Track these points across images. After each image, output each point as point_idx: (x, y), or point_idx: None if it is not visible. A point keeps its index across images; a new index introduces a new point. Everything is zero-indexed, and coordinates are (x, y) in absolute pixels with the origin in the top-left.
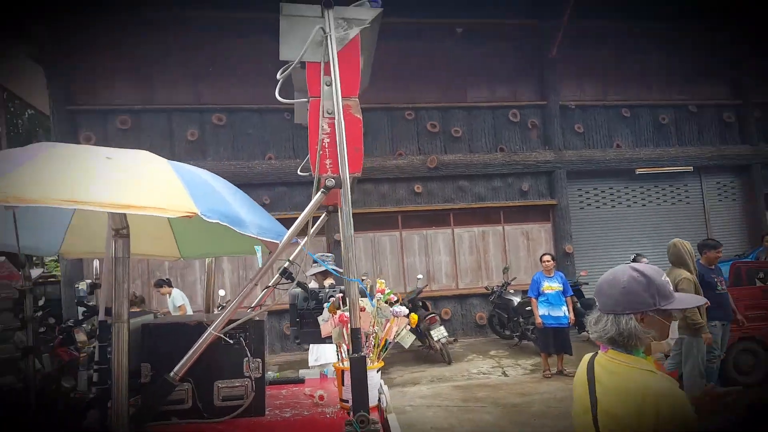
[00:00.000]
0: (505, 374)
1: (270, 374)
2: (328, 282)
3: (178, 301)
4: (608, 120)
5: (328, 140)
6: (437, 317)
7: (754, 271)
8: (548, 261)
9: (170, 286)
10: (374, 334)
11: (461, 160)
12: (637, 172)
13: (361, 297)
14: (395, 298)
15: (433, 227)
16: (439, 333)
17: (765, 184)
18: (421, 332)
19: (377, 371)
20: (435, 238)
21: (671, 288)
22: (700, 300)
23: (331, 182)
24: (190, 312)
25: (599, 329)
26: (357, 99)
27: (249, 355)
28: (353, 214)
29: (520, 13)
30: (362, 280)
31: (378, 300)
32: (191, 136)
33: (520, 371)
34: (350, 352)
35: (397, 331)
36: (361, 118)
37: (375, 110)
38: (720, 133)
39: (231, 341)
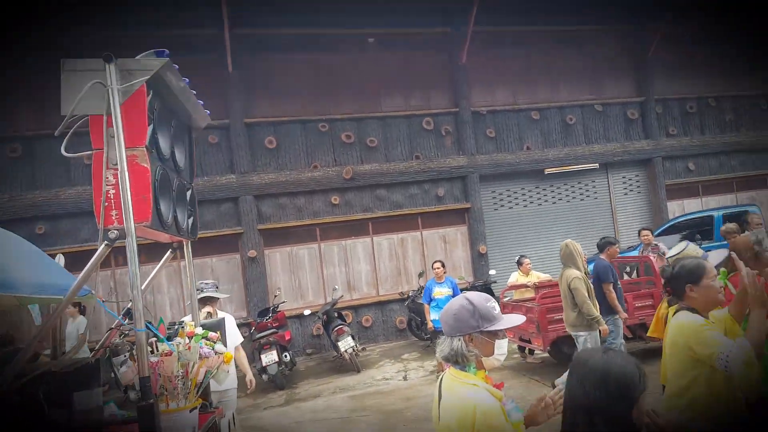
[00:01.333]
0: (405, 378)
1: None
2: (205, 310)
3: (82, 329)
4: (518, 123)
5: (113, 191)
6: (344, 328)
7: (623, 266)
8: (438, 268)
9: (80, 311)
10: (180, 377)
11: (377, 170)
12: (546, 172)
13: (161, 342)
14: (214, 337)
15: (352, 237)
16: (346, 344)
17: (666, 175)
18: (332, 343)
19: (191, 411)
20: (354, 248)
21: (497, 311)
22: (520, 320)
23: (114, 234)
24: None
25: (439, 350)
26: (144, 148)
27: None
28: (270, 229)
29: (432, 21)
30: (275, 295)
31: (183, 343)
32: None
33: (420, 373)
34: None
35: (209, 371)
36: (149, 167)
37: (289, 123)
38: (625, 130)
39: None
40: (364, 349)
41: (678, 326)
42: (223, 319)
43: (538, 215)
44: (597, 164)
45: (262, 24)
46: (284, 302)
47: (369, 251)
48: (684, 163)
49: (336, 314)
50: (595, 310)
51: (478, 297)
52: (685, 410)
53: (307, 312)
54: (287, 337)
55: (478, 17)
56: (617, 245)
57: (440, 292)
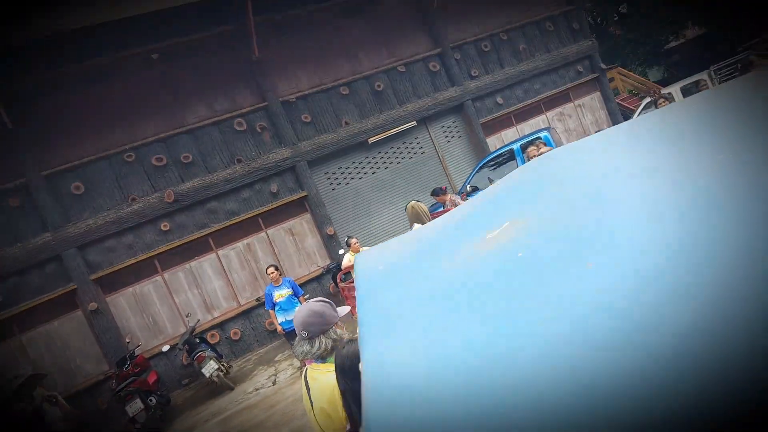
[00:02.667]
0: (274, 383)
1: None
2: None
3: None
4: (331, 102)
5: None
6: (204, 354)
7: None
8: (272, 273)
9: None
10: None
11: (201, 184)
12: (370, 142)
13: None
14: None
15: (196, 258)
16: (209, 369)
17: (477, 114)
18: (197, 371)
19: None
20: (201, 268)
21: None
22: (345, 310)
23: None
24: None
25: (302, 351)
26: None
27: None
28: (105, 276)
29: (212, 22)
30: (127, 342)
31: None
32: None
33: (289, 372)
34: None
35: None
36: None
37: (92, 163)
38: (432, 83)
39: None
40: (231, 367)
41: None
42: None
43: (374, 183)
44: (414, 122)
45: (33, 71)
46: (139, 346)
47: (217, 266)
48: (493, 99)
49: (197, 340)
50: None
51: (319, 306)
52: None
53: (165, 348)
54: (151, 380)
55: (257, 9)
56: (447, 192)
57: (280, 294)
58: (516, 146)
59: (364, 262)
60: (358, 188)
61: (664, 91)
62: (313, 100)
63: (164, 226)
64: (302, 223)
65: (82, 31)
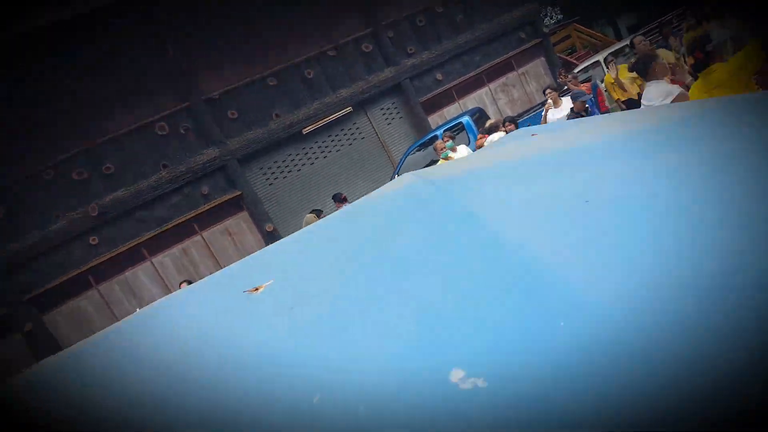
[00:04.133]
0: None
1: None
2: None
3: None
4: (258, 95)
5: None
6: None
7: None
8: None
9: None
10: None
11: (126, 194)
12: (305, 132)
13: None
14: None
15: (130, 268)
16: None
17: (417, 93)
18: None
19: None
20: (136, 278)
21: None
22: None
23: None
24: None
25: None
26: None
27: None
28: (38, 295)
29: (125, 24)
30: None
31: None
32: None
33: None
34: None
35: None
36: None
37: (12, 187)
38: (365, 65)
39: None
40: None
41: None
42: None
43: (315, 174)
44: (350, 108)
45: None
46: None
47: (154, 275)
48: (432, 75)
49: None
50: None
51: None
52: None
53: None
54: None
55: (165, 4)
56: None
57: None
58: (439, 132)
59: None
60: (297, 180)
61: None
62: (240, 94)
63: (93, 240)
64: (240, 223)
65: None
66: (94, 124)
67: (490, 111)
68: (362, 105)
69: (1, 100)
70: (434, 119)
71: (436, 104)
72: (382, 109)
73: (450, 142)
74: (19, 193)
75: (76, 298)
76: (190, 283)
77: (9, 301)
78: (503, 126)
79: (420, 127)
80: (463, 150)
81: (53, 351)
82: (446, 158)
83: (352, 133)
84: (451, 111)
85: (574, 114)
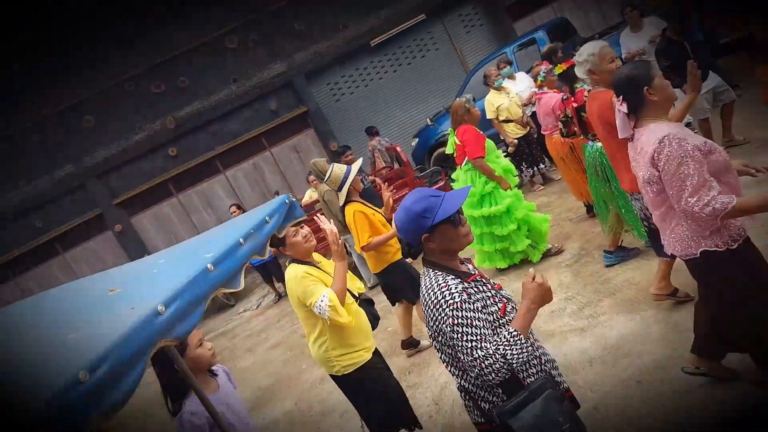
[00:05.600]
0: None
1: None
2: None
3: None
4: (326, 4)
5: None
6: None
7: None
8: (235, 212)
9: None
10: None
11: (200, 108)
12: (373, 44)
13: None
14: None
15: (206, 179)
16: None
17: None
18: None
19: None
20: (213, 189)
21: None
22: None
23: None
24: None
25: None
26: None
27: None
28: (126, 200)
29: None
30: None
31: None
32: None
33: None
34: None
35: None
36: None
37: (97, 96)
38: None
39: None
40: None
41: None
42: None
43: (383, 89)
44: (423, 15)
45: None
46: None
47: (227, 186)
48: None
49: None
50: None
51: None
52: None
53: None
54: None
55: None
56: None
57: None
58: (509, 48)
59: None
60: (364, 96)
61: None
62: (310, 4)
63: (172, 151)
64: (306, 140)
65: None
66: (168, 37)
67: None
68: (438, 12)
69: (87, 16)
70: (522, 26)
71: (524, 7)
72: (460, 15)
73: (507, 69)
74: (106, 104)
75: (159, 204)
76: (239, 207)
77: (101, 203)
78: (556, 55)
79: (504, 36)
80: (522, 80)
81: (140, 250)
82: (499, 88)
83: (425, 44)
84: (541, 16)
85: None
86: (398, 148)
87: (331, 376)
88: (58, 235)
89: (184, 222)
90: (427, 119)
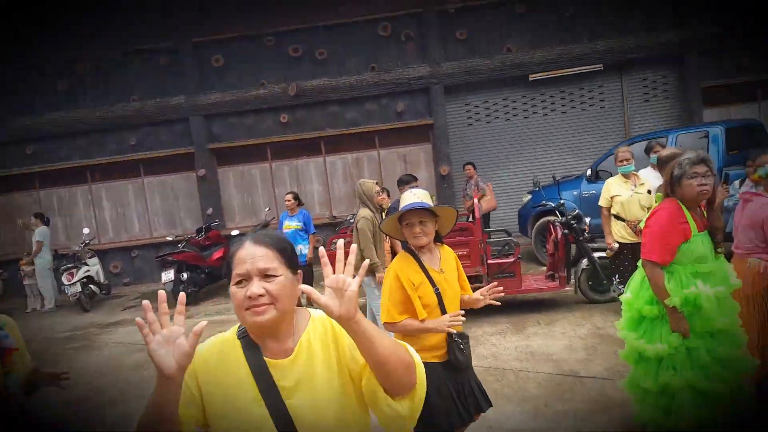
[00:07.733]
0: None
1: None
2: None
3: (40, 237)
4: (498, 20)
5: None
6: None
7: None
8: (289, 200)
9: (43, 221)
10: None
11: (327, 85)
12: (531, 79)
13: None
14: None
15: (304, 157)
16: None
17: (703, 76)
18: None
19: None
20: (306, 168)
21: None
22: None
23: None
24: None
25: None
26: None
27: None
28: (221, 148)
29: None
30: (208, 214)
31: None
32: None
33: None
34: None
35: None
36: None
37: (236, 39)
38: (644, 15)
39: None
40: None
41: None
42: None
43: (523, 129)
44: (602, 65)
45: None
46: (217, 222)
47: (321, 171)
48: (735, 57)
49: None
50: (375, 255)
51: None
52: None
53: (234, 233)
54: (215, 257)
55: None
56: (411, 184)
57: (289, 225)
58: (671, 135)
59: None
60: (500, 129)
61: None
62: (477, 14)
63: (283, 117)
64: (420, 153)
65: None
66: (323, 5)
67: None
68: (619, 67)
69: None
70: (714, 113)
71: (724, 97)
72: (645, 78)
73: (653, 157)
74: (240, 50)
75: (250, 164)
76: (296, 197)
77: (197, 142)
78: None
79: (688, 116)
80: (649, 178)
81: (214, 200)
82: (628, 175)
83: (592, 96)
84: (742, 111)
85: None
86: (487, 192)
87: None
88: (145, 159)
89: (266, 190)
90: (534, 180)
